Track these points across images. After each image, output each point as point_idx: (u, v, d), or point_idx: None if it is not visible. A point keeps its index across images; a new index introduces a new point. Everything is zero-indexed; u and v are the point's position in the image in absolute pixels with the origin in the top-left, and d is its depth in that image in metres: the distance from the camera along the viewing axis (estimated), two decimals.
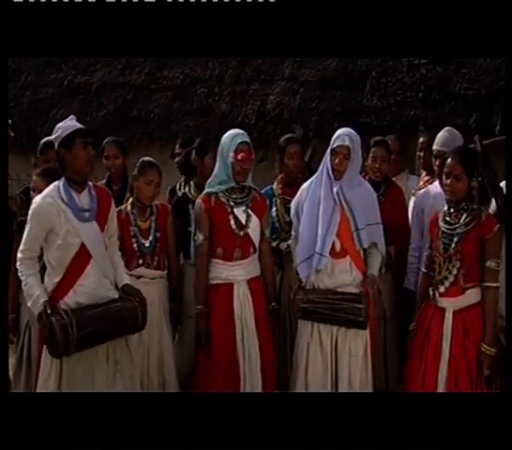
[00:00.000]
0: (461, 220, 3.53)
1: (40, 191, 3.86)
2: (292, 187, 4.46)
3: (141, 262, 4.08)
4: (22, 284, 3.48)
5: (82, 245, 3.45)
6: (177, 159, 4.96)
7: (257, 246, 4.02)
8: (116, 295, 3.56)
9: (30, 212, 3.49)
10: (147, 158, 4.23)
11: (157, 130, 6.94)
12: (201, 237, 3.99)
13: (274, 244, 4.38)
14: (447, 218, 3.59)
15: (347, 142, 3.82)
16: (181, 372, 4.20)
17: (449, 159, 3.55)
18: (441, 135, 4.14)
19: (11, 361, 4.13)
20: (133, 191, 4.18)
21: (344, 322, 3.80)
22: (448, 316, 3.55)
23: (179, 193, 4.67)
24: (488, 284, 3.50)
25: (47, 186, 3.86)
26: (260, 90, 6.72)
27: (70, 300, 3.44)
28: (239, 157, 3.89)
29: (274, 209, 4.48)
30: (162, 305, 4.15)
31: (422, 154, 4.65)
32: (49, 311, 3.32)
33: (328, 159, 3.88)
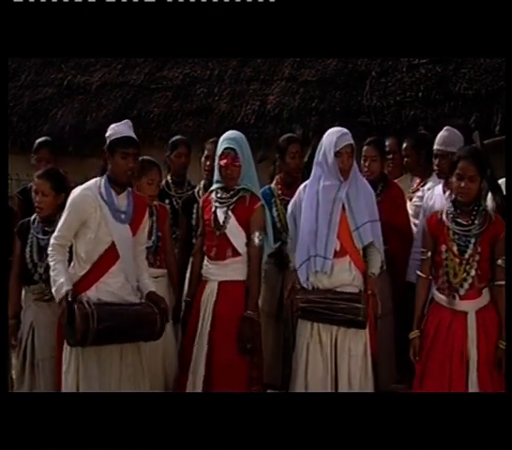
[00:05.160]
0: (476, 221, 3.53)
1: (43, 194, 3.85)
2: (291, 187, 4.46)
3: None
4: (50, 269, 3.50)
5: (113, 244, 3.50)
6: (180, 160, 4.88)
7: (239, 249, 3.93)
8: (137, 300, 3.59)
9: (68, 201, 3.54)
10: (147, 158, 4.23)
11: (156, 130, 6.94)
12: (197, 233, 4.13)
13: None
14: (458, 220, 3.56)
15: (352, 141, 3.84)
16: None
17: (461, 161, 3.51)
18: (441, 135, 4.13)
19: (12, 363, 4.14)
20: None
21: (343, 321, 3.81)
22: (471, 319, 3.54)
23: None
24: (499, 282, 3.53)
25: (50, 188, 3.86)
26: (259, 90, 6.72)
27: (92, 295, 3.47)
28: (222, 163, 3.92)
29: (274, 209, 4.48)
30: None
31: (409, 159, 4.67)
32: (70, 299, 3.36)
33: (332, 162, 3.85)
